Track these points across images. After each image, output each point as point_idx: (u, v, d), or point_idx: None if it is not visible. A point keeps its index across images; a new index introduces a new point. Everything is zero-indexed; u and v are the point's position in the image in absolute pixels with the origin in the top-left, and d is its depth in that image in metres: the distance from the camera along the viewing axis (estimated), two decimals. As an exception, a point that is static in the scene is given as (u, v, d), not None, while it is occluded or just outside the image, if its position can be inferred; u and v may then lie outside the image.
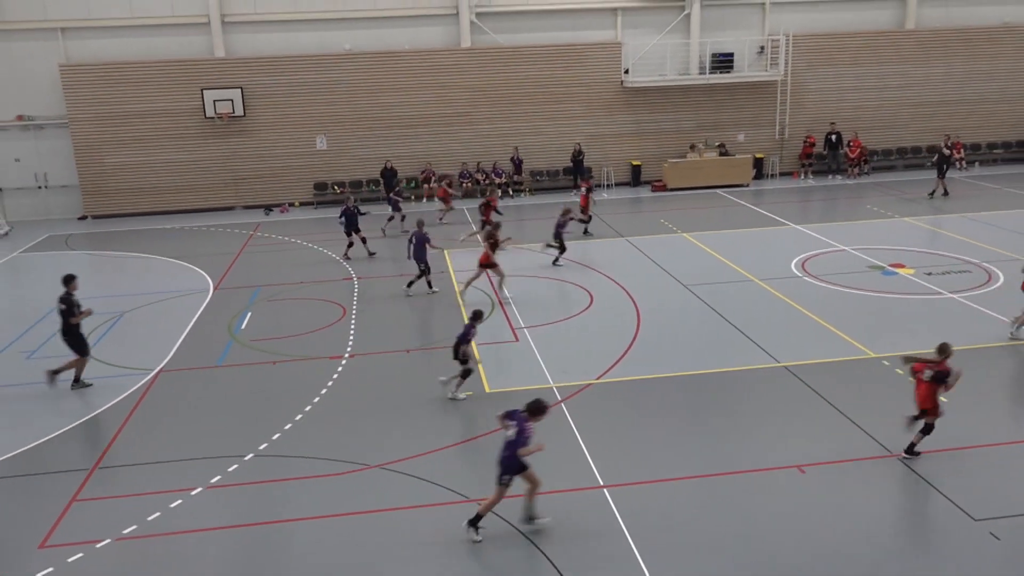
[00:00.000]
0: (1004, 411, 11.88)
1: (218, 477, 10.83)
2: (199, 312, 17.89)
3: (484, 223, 21.42)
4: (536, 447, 9.18)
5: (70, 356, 13.96)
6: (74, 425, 12.61)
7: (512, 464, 9.19)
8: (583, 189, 23.50)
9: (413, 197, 29.22)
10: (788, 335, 15.10)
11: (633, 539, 9.14)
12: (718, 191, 29.11)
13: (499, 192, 22.18)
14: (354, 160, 29.25)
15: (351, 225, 21.27)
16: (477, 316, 13.12)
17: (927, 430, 10.41)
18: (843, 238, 21.72)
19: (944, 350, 10.47)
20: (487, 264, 17.76)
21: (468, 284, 18.07)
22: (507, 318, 16.61)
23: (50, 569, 9.06)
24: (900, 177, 30.06)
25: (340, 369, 14.37)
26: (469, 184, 29.38)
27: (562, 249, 20.10)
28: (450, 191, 25.74)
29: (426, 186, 28.85)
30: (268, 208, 28.92)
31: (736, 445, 11.24)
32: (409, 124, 29.17)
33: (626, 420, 12.15)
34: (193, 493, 10.48)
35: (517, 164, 29.40)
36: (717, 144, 30.39)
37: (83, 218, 28.65)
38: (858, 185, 29.19)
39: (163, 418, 12.82)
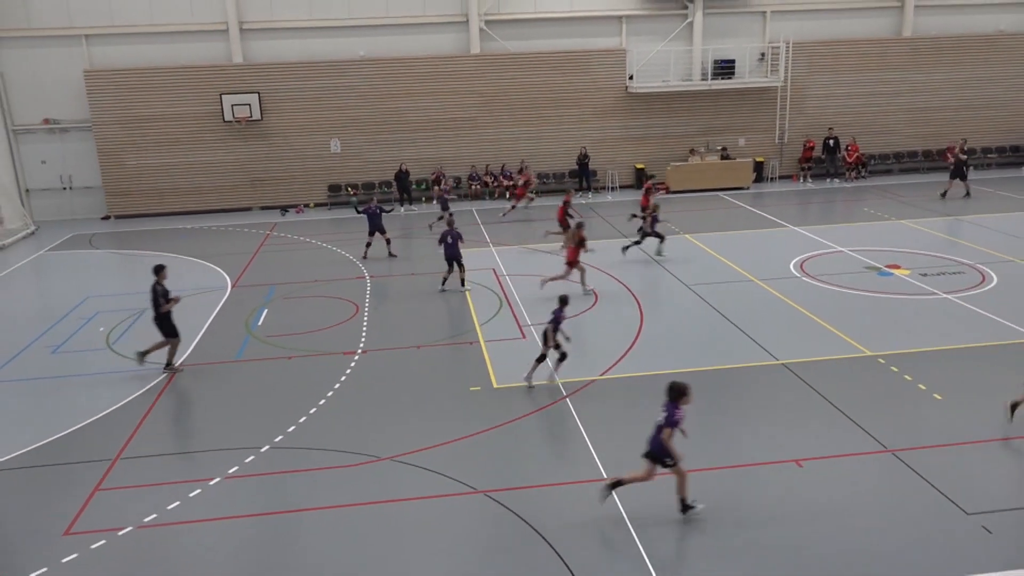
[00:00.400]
0: (997, 408, 11.82)
1: (235, 468, 10.87)
2: (217, 309, 17.95)
3: (560, 223, 21.53)
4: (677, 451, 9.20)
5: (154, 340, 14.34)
6: (98, 417, 12.67)
7: (654, 447, 9.23)
8: (644, 189, 23.36)
9: (424, 199, 29.25)
10: (787, 333, 15.07)
11: (635, 530, 9.14)
12: (719, 194, 29.04)
13: (574, 191, 22.32)
14: (367, 163, 29.29)
15: (374, 225, 21.24)
16: (564, 301, 13.09)
17: None
18: (841, 240, 21.65)
19: None
20: (573, 262, 17.67)
21: (552, 279, 17.87)
22: (515, 316, 16.62)
23: (74, 555, 9.12)
24: (897, 181, 29.95)
25: (353, 364, 14.40)
26: (478, 187, 29.39)
27: (659, 237, 20.54)
28: (529, 190, 26.07)
29: (436, 188, 28.87)
30: (284, 209, 29.00)
31: (736, 439, 11.22)
32: (420, 128, 29.20)
33: (629, 415, 12.14)
34: (211, 483, 10.52)
35: (525, 168, 29.42)
36: (719, 148, 30.35)
37: (106, 218, 28.78)
38: (855, 188, 29.09)
39: (183, 410, 12.88)
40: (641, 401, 12.55)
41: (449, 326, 16.19)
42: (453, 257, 18.17)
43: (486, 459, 11.00)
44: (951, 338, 14.49)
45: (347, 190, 29.08)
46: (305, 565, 8.84)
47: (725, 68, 29.94)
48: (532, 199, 26.79)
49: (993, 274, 18.09)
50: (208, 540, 9.34)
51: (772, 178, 30.95)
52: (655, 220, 21.13)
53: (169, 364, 14.41)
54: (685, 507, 9.37)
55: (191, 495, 10.25)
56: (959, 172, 26.45)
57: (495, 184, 29.43)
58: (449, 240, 18.12)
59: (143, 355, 14.34)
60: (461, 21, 28.93)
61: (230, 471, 10.80)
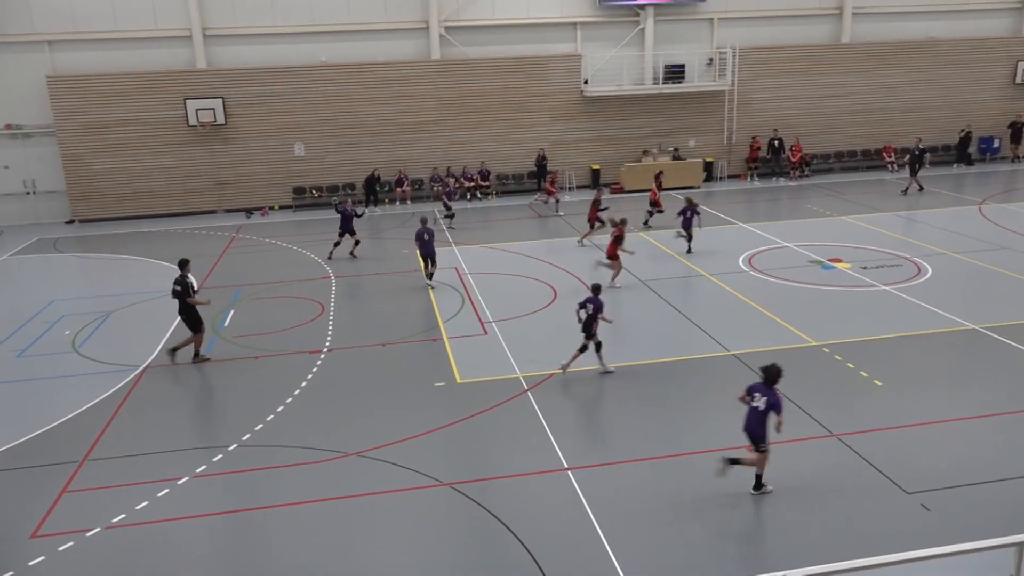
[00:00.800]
0: (934, 393, 12.11)
1: (204, 467, 10.67)
2: (184, 310, 17.59)
3: (591, 221, 21.56)
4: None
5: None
6: (65, 419, 12.34)
7: (755, 430, 9.35)
8: (655, 185, 23.76)
9: (387, 200, 29.03)
10: (737, 326, 15.25)
11: (596, 517, 9.17)
12: (671, 193, 29.21)
13: (605, 189, 22.63)
14: (331, 165, 28.97)
15: (345, 226, 21.13)
16: (597, 290, 13.23)
17: None
18: (786, 235, 21.98)
19: None
20: (613, 256, 17.79)
21: (615, 277, 17.96)
22: (476, 312, 16.58)
23: (42, 558, 8.86)
24: (838, 179, 30.47)
25: (319, 363, 14.23)
26: (440, 189, 29.24)
27: (689, 237, 20.37)
28: (553, 188, 26.33)
29: (398, 189, 28.68)
30: (249, 212, 28.55)
31: (690, 428, 11.33)
32: (383, 132, 28.96)
33: (588, 406, 12.19)
34: (180, 482, 10.31)
35: (484, 173, 29.40)
36: (670, 149, 30.62)
37: (70, 222, 28.05)
38: (799, 187, 29.55)
39: (150, 412, 12.60)
40: (598, 393, 12.61)
41: (413, 324, 16.09)
42: (428, 254, 18.26)
43: (452, 452, 10.95)
44: (890, 327, 14.80)
45: (312, 192, 28.74)
46: (275, 561, 8.71)
47: (675, 73, 30.20)
48: (558, 199, 26.81)
49: (928, 266, 18.52)
50: (177, 539, 9.16)
51: (721, 177, 31.31)
52: (650, 215, 21.42)
53: (197, 355, 14.46)
54: (759, 485, 9.55)
55: (159, 495, 10.03)
56: (913, 168, 27.24)
57: (456, 186, 29.30)
58: (425, 237, 18.19)
59: (174, 351, 14.44)
60: (421, 27, 28.76)
61: (198, 470, 10.59)
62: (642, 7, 29.67)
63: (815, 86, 31.37)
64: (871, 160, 32.22)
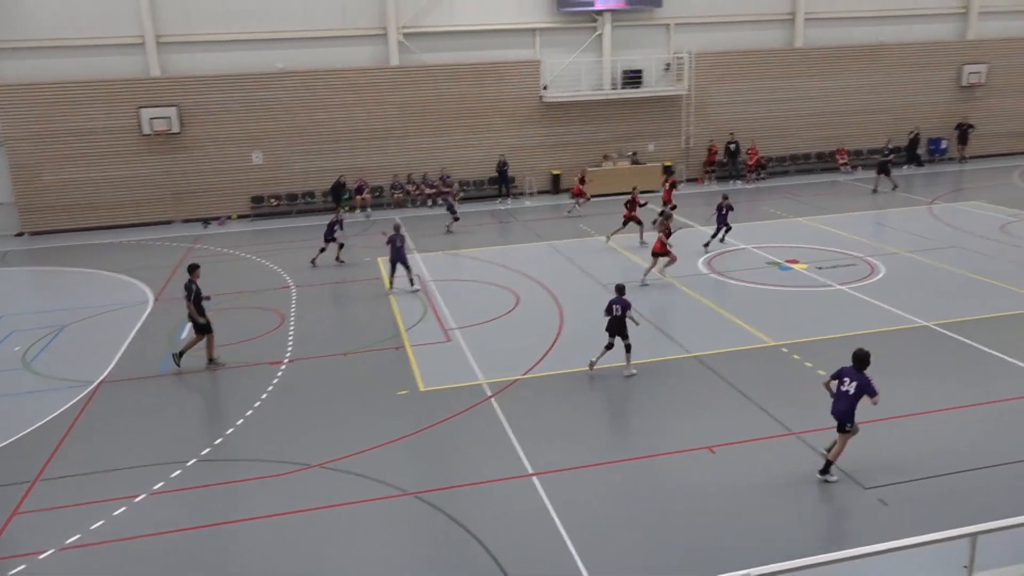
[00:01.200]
0: (888, 389, 12.30)
1: (161, 483, 10.45)
2: (139, 324, 17.25)
3: (626, 219, 21.68)
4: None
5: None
6: (15, 439, 11.99)
7: (845, 413, 9.54)
8: (667, 184, 23.99)
9: (348, 208, 28.79)
10: (697, 327, 15.41)
11: (561, 521, 9.18)
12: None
13: (637, 187, 22.93)
14: (290, 174, 28.63)
15: (328, 233, 21.22)
16: (623, 289, 13.35)
17: None
18: (744, 238, 22.28)
19: None
20: (661, 252, 17.93)
21: (648, 272, 18.22)
22: (439, 320, 16.51)
23: (-8, 582, 8.60)
24: (793, 181, 30.97)
25: (280, 374, 14.04)
26: (400, 195, 29.11)
27: (727, 229, 20.78)
28: (583, 187, 26.58)
29: (359, 197, 28.47)
30: (206, 221, 28.09)
31: (653, 430, 11.41)
32: (342, 139, 28.73)
33: (552, 412, 12.20)
34: (137, 500, 10.08)
35: (445, 179, 29.33)
36: (630, 153, 30.87)
37: (20, 235, 27.30)
38: (756, 189, 29.99)
39: (105, 428, 12.30)
40: (562, 397, 12.64)
41: (375, 332, 15.97)
42: (397, 260, 18.22)
43: (415, 461, 10.88)
44: (846, 326, 15.07)
45: (271, 201, 28.39)
46: (235, 576, 8.55)
47: (633, 78, 30.49)
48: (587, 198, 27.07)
49: (881, 266, 18.92)
50: (136, 558, 8.94)
51: (680, 181, 31.60)
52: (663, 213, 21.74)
53: (211, 360, 14.40)
54: (827, 470, 9.75)
55: (116, 513, 9.79)
56: (883, 168, 28.06)
57: (417, 192, 29.22)
58: (397, 244, 18.21)
59: (178, 356, 14.32)
60: (380, 34, 28.61)
61: (156, 487, 10.37)
62: (600, 13, 29.90)
63: (769, 90, 31.92)
64: (825, 162, 32.84)
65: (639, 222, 21.83)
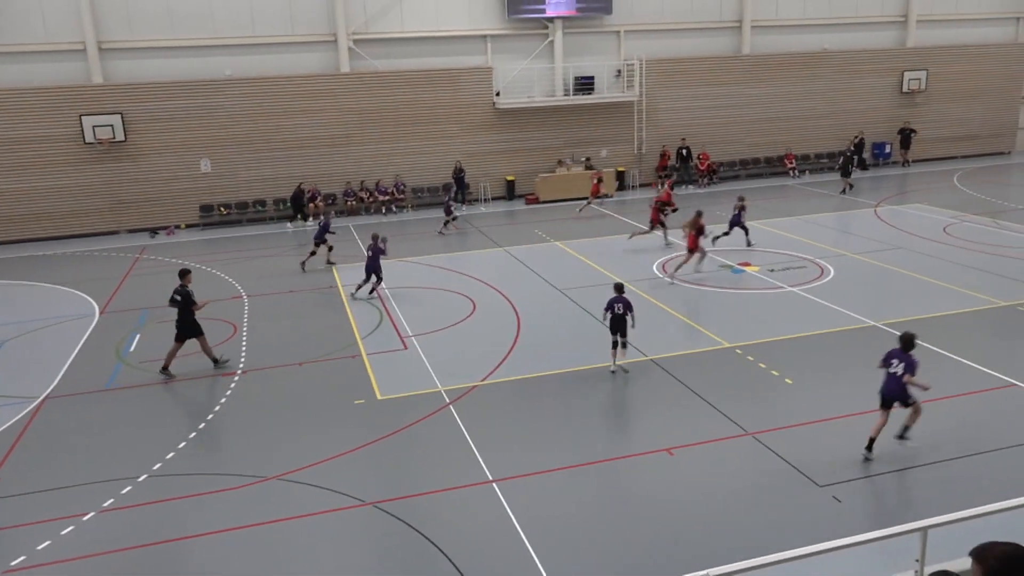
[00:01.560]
0: (840, 388, 12.66)
1: (111, 500, 10.17)
2: (85, 337, 16.79)
3: (652, 222, 22.07)
4: (924, 383, 10.00)
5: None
6: (-47, 459, 11.55)
7: (898, 393, 10.13)
8: (667, 186, 24.38)
9: (301, 216, 28.44)
10: (653, 330, 15.58)
11: (522, 528, 9.18)
12: (586, 202, 29.72)
13: (667, 185, 23.20)
14: (239, 182, 28.21)
15: (319, 235, 21.25)
16: (622, 288, 13.74)
17: None
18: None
19: None
20: (693, 248, 18.67)
21: (679, 267, 18.82)
22: (395, 327, 16.41)
23: (-69, 609, 8.26)
24: (743, 186, 31.56)
25: (233, 386, 13.80)
26: (354, 203, 28.89)
27: (746, 230, 21.50)
28: (600, 187, 27.12)
29: (311, 205, 28.18)
30: (154, 231, 27.50)
31: (612, 434, 11.50)
32: (293, 146, 28.42)
33: (511, 417, 12.22)
34: (85, 519, 9.79)
35: (399, 187, 29.22)
36: (583, 159, 31.13)
37: (-44, 247, 26.40)
38: (708, 194, 30.48)
39: (50, 445, 11.94)
40: (521, 403, 12.66)
41: (330, 341, 15.80)
42: (373, 269, 18.17)
43: (374, 471, 10.79)
44: (797, 327, 15.41)
45: (220, 210, 27.92)
46: (190, 594, 8.37)
47: (585, 84, 30.80)
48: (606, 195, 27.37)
49: (830, 267, 19.39)
50: (84, 578, 8.68)
51: (633, 186, 32.04)
52: (664, 213, 22.44)
53: (216, 361, 14.51)
54: (904, 434, 10.36)
55: (63, 533, 9.50)
56: (845, 169, 29.08)
57: (371, 200, 29.03)
58: (368, 253, 18.20)
59: (164, 371, 14.23)
60: (330, 40, 28.41)
61: (105, 504, 10.09)
62: (551, 20, 30.14)
63: (718, 96, 32.53)
64: (774, 167, 33.57)
65: (663, 224, 22.12)
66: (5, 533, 9.57)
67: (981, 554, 3.70)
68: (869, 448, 10.34)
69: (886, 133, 34.63)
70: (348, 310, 17.71)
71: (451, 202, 25.75)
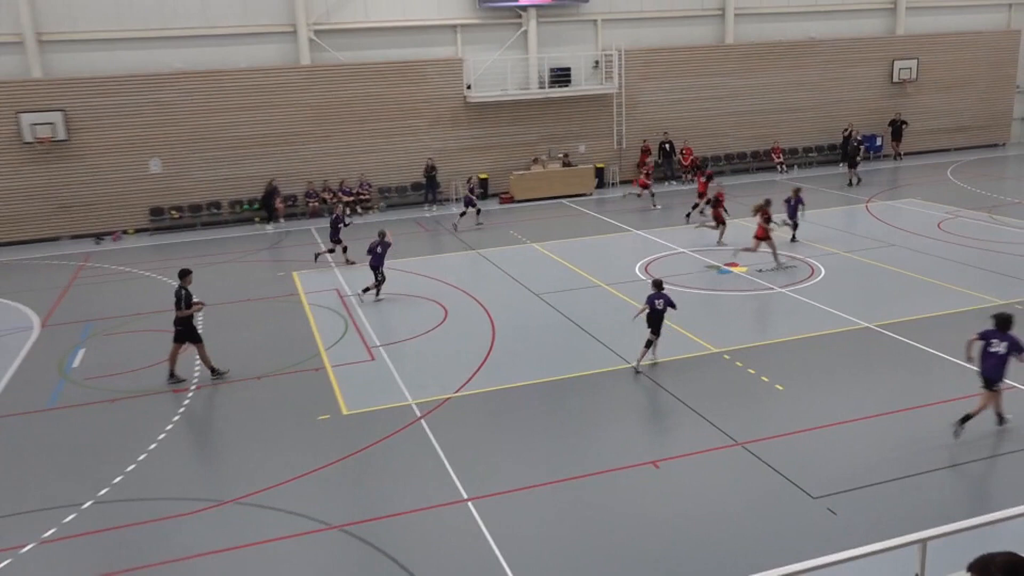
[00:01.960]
0: (835, 393, 12.75)
1: (53, 530, 9.94)
2: (24, 352, 16.46)
3: (716, 219, 22.31)
4: None
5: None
6: None
7: (1001, 371, 10.68)
8: (703, 177, 25.30)
9: (260, 220, 28.18)
10: (636, 336, 15.56)
11: (500, 549, 9.12)
12: (563, 201, 29.81)
13: (711, 175, 23.66)
14: (193, 182, 27.88)
15: (334, 233, 21.50)
16: (661, 284, 14.22)
17: None
18: (681, 241, 22.74)
19: None
20: (763, 237, 19.29)
21: (748, 251, 19.57)
22: (361, 337, 16.29)
23: None
24: (729, 181, 31.64)
25: (186, 402, 13.60)
26: (315, 204, 28.67)
27: (794, 225, 21.79)
28: (649, 181, 27.51)
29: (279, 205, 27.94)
30: (99, 237, 27.07)
31: (594, 447, 11.47)
32: (251, 144, 28.14)
33: (487, 431, 12.15)
34: (24, 551, 9.56)
35: (364, 186, 29.07)
36: (560, 155, 31.16)
37: None
38: (691, 191, 30.57)
39: (-14, 471, 11.67)
40: (497, 416, 12.60)
41: (292, 353, 15.64)
42: (372, 267, 18.39)
43: (340, 492, 10.67)
44: (788, 330, 15.51)
45: (172, 213, 27.58)
46: (141, 629, 8.20)
47: (561, 76, 30.87)
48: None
49: (821, 267, 19.57)
50: (23, 615, 8.48)
51: (613, 183, 32.14)
52: (695, 206, 23.58)
53: (214, 371, 14.48)
54: (1002, 420, 11.10)
55: (0, 566, 9.27)
56: (852, 160, 29.93)
57: (334, 200, 28.80)
58: (379, 250, 18.30)
59: (171, 377, 14.36)
60: (288, 31, 28.20)
61: (46, 534, 9.86)
62: (524, 8, 30.18)
63: (701, 87, 32.76)
64: (760, 161, 33.86)
65: (723, 222, 22.28)
66: (-64, 568, 9.33)
67: (984, 568, 3.71)
68: (963, 421, 10.83)
69: (876, 125, 35.05)
70: (311, 319, 17.55)
71: (472, 194, 26.05)
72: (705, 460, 10.90)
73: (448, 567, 8.90)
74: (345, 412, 12.90)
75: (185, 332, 14.37)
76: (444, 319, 17.20)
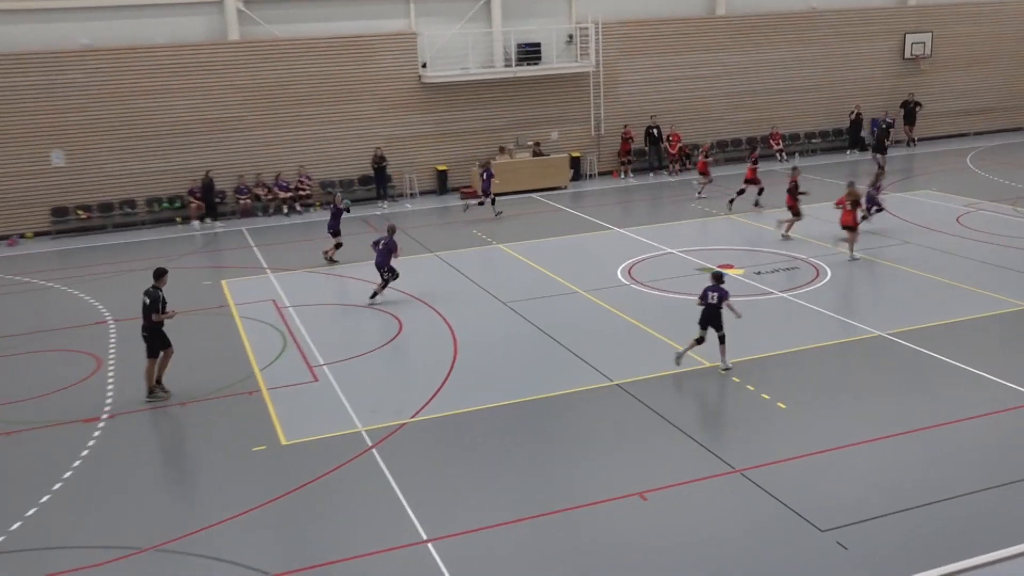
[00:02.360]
0: (844, 412, 12.90)
1: (-62, 587, 9.77)
2: (-96, 378, 16.16)
3: (791, 210, 22.59)
4: None
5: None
6: None
7: None
8: (750, 161, 26.23)
9: (182, 219, 27.95)
10: (619, 349, 15.69)
11: (465, 598, 9.12)
12: (534, 195, 29.91)
13: (798, 169, 24.09)
14: (103, 177, 27.58)
15: (334, 224, 22.05)
16: (719, 278, 14.52)
17: None
18: (669, 240, 22.91)
19: None
20: (849, 225, 20.19)
21: (843, 240, 20.49)
22: (303, 354, 16.20)
23: None
24: (722, 172, 31.97)
25: (97, 434, 13.44)
26: (248, 201, 28.48)
27: (879, 209, 22.93)
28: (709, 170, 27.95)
29: (194, 204, 27.70)
30: (-8, 242, 26.72)
31: (572, 477, 11.49)
32: (171, 133, 27.89)
33: (449, 462, 12.13)
34: (-96, 611, 9.37)
35: (303, 180, 28.97)
36: (530, 143, 31.21)
37: None
38: (681, 182, 30.91)
39: None
40: (461, 443, 12.59)
41: (221, 374, 15.51)
42: (380, 266, 18.65)
43: (279, 534, 10.61)
44: (790, 340, 15.68)
45: (78, 214, 27.26)
46: None
47: (530, 52, 30.98)
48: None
49: (827, 268, 19.82)
50: None
51: (591, 175, 32.31)
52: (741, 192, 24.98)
53: (158, 382, 14.58)
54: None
55: None
56: (880, 144, 30.56)
57: (269, 197, 28.65)
58: (382, 247, 18.53)
59: (152, 391, 14.52)
60: (214, 1, 28.04)
61: (-69, 591, 9.68)
62: (486, -25, 30.31)
63: (690, 65, 33.08)
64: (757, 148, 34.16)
65: (799, 213, 22.47)
66: None
67: None
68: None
69: (887, 107, 35.57)
70: (243, 334, 17.43)
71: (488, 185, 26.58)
72: (699, 490, 10.97)
73: (405, 619, 8.87)
74: (284, 442, 12.81)
75: (156, 340, 14.51)
76: (398, 333, 17.17)
